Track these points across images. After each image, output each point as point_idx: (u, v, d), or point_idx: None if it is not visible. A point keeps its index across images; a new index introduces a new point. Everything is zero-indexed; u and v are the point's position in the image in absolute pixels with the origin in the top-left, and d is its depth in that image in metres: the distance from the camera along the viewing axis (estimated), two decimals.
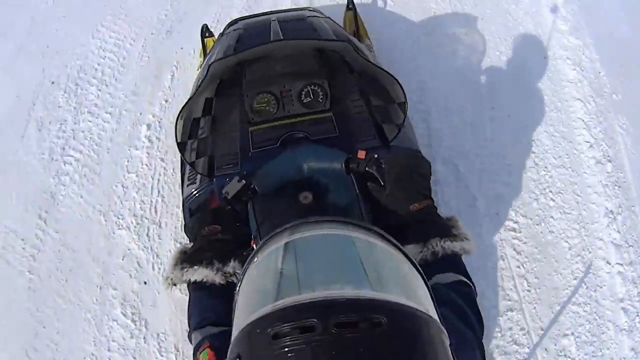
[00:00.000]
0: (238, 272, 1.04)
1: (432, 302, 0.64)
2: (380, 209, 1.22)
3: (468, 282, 1.01)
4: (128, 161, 2.32)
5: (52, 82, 2.62)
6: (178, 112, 1.29)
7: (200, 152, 1.35)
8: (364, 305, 0.54)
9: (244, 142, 1.35)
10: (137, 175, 2.27)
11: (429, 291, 0.66)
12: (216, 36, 2.31)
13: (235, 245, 1.10)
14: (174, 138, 1.30)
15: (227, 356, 0.58)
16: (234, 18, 1.90)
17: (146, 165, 2.29)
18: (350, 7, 2.35)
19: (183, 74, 2.57)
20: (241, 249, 1.10)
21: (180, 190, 1.51)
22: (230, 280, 1.03)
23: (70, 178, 2.29)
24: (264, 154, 1.31)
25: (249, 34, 1.65)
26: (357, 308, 0.53)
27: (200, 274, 1.02)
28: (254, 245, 1.13)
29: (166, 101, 2.49)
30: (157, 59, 2.67)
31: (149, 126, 2.40)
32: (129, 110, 2.48)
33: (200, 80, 1.33)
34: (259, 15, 1.89)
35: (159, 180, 2.24)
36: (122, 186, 2.25)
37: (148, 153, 2.32)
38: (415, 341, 0.54)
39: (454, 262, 1.03)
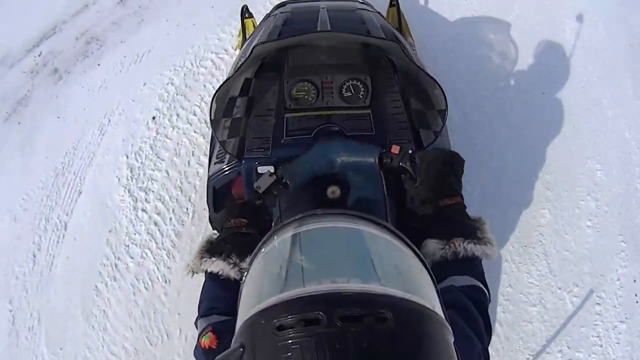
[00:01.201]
0: None
1: (438, 300, 0.64)
2: (406, 208, 1.22)
3: (483, 288, 0.99)
4: None
5: None
6: (216, 89, 1.29)
7: (233, 131, 1.34)
8: (370, 299, 0.54)
9: (277, 127, 1.34)
10: None
11: (436, 289, 0.66)
12: (255, 17, 2.29)
13: (257, 240, 1.10)
14: (209, 115, 1.30)
15: (231, 345, 0.58)
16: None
17: None
18: (394, 3, 2.30)
19: None
20: None
21: (207, 167, 1.51)
22: None
23: None
24: (296, 143, 1.30)
25: (297, 19, 1.63)
26: (362, 302, 0.53)
27: (216, 266, 1.02)
28: None
29: None
30: None
31: None
32: None
33: (242, 60, 1.32)
34: (308, 0, 1.86)
35: None
36: None
37: None
38: (419, 338, 0.54)
39: (473, 265, 1.02)
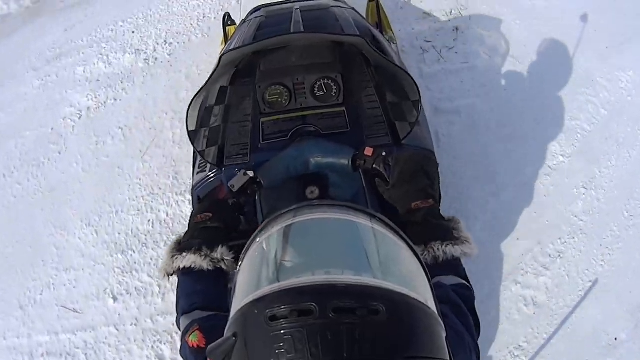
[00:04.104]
0: (226, 258, 1.05)
1: (431, 294, 0.64)
2: (389, 208, 1.21)
3: (468, 285, 1.00)
4: None
5: None
6: (191, 99, 1.30)
7: (211, 140, 1.36)
8: (363, 291, 0.54)
9: (254, 133, 1.35)
10: None
11: (430, 283, 0.66)
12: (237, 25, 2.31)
13: (224, 232, 1.12)
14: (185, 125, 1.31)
15: (224, 335, 0.59)
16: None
17: None
18: None
19: None
20: (229, 236, 1.11)
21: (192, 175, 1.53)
22: (218, 266, 1.04)
23: None
24: (273, 146, 1.31)
25: (270, 22, 1.64)
26: (356, 294, 0.53)
27: (188, 260, 1.03)
28: None
29: None
30: None
31: None
32: None
33: (213, 69, 1.33)
34: (283, 3, 1.87)
35: None
36: None
37: None
38: (411, 331, 0.54)
39: (454, 266, 1.02)
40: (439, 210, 1.13)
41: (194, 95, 1.30)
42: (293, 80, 1.35)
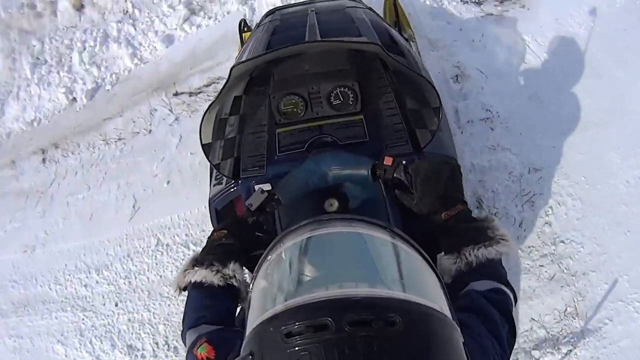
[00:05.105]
0: (238, 274, 1.04)
1: (445, 300, 0.63)
2: (410, 216, 1.17)
3: (504, 289, 0.95)
4: None
5: None
6: (204, 111, 1.28)
7: (227, 152, 1.34)
8: (378, 303, 0.54)
9: (270, 144, 1.32)
10: None
11: (444, 290, 0.66)
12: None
13: (239, 249, 1.10)
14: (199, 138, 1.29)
15: (240, 354, 0.59)
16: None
17: None
18: None
19: None
20: (244, 253, 1.10)
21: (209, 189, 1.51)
22: (229, 283, 1.02)
23: None
24: (290, 158, 1.28)
25: (285, 26, 1.59)
26: (371, 306, 0.54)
27: (199, 275, 1.02)
28: None
29: None
30: None
31: None
32: None
33: (225, 81, 1.30)
34: (298, 5, 1.82)
35: None
36: None
37: None
38: (429, 340, 0.54)
39: (490, 268, 0.98)
40: (470, 212, 1.08)
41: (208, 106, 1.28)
42: (308, 90, 1.32)
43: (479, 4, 2.72)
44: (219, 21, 3.14)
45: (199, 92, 2.88)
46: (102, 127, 3.04)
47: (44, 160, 3.10)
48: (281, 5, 1.93)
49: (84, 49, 3.27)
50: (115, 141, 2.95)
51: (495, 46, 2.53)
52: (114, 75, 3.21)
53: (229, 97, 1.38)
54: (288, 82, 1.34)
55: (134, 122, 2.96)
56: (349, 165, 1.18)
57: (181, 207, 2.51)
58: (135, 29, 3.25)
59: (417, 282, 0.63)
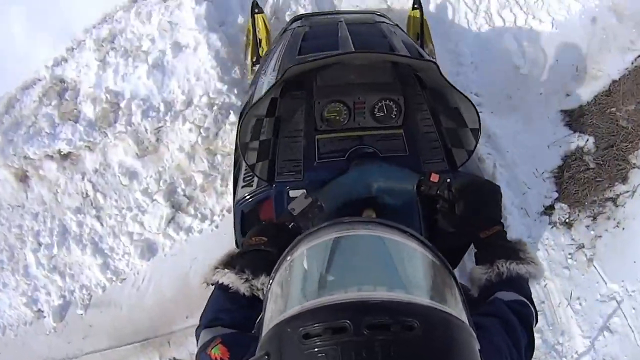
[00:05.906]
0: (267, 288, 1.02)
1: (463, 308, 0.64)
2: (441, 233, 1.22)
3: (528, 303, 1.00)
4: None
5: None
6: (242, 110, 1.25)
7: (261, 155, 1.31)
8: (397, 307, 0.55)
9: (309, 150, 1.31)
10: None
11: (462, 297, 0.67)
12: (265, 12, 2.19)
13: (273, 260, 1.07)
14: (237, 138, 1.26)
15: (256, 354, 0.58)
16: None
17: None
18: (416, 6, 2.19)
19: None
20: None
21: (233, 191, 1.47)
22: (256, 294, 0.99)
23: None
24: (329, 165, 1.27)
25: (316, 33, 1.59)
26: (389, 310, 0.54)
27: (228, 278, 1.00)
28: None
29: None
30: None
31: None
32: None
33: (271, 82, 1.28)
34: (325, 14, 1.83)
35: None
36: None
37: None
38: (446, 346, 0.54)
39: (518, 284, 1.03)
40: (505, 233, 1.13)
41: (249, 106, 1.25)
42: (354, 99, 1.31)
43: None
44: (216, 226, 2.33)
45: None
46: None
47: None
48: (307, 12, 1.91)
49: (39, 245, 2.35)
50: None
51: None
52: (84, 290, 2.35)
53: (267, 98, 1.35)
54: (334, 89, 1.33)
55: None
56: (395, 178, 1.20)
57: None
58: (101, 224, 2.33)
59: (436, 288, 0.64)
